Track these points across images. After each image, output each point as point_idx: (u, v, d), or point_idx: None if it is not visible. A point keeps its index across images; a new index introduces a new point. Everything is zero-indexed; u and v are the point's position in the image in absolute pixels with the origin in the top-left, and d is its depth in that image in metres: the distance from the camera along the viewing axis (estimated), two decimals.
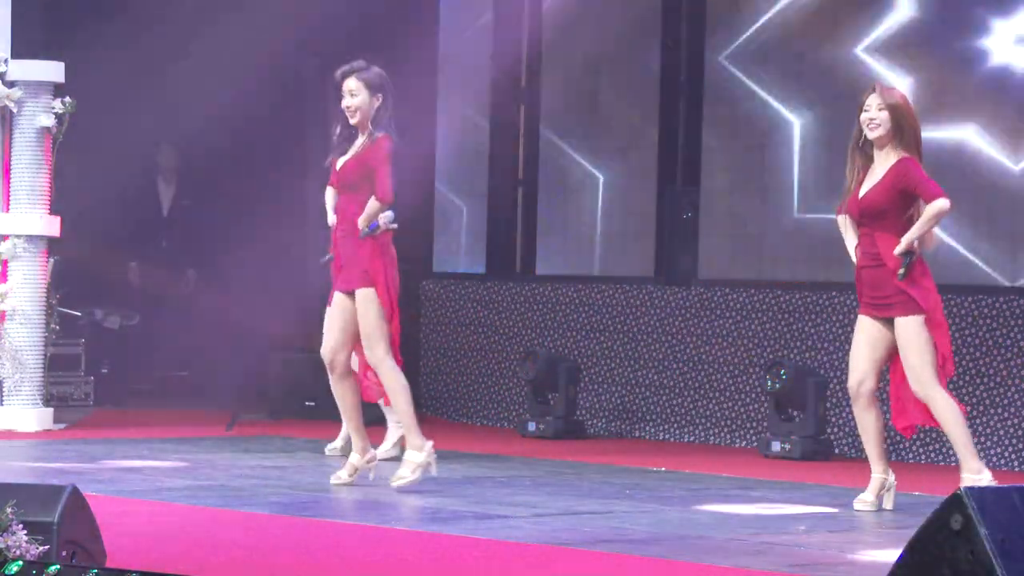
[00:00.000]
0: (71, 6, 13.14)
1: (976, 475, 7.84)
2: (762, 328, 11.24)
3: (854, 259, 7.99)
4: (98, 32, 13.26)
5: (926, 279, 7.84)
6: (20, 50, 10.93)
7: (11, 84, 10.85)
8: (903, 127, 7.80)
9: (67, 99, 10.86)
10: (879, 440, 7.96)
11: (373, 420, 10.45)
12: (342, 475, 8.43)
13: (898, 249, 7.79)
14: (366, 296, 8.26)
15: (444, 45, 13.18)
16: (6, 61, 10.83)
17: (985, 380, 10.32)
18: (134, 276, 13.70)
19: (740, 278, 11.53)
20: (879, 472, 7.99)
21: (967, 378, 10.38)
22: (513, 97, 12.93)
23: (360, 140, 8.35)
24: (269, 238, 14.08)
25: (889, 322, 7.87)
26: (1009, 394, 10.22)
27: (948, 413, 7.79)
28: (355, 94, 8.30)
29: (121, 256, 13.52)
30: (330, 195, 8.59)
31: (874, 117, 7.81)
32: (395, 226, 8.47)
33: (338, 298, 8.38)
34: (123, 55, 13.72)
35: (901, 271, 7.77)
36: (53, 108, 10.86)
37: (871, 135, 7.83)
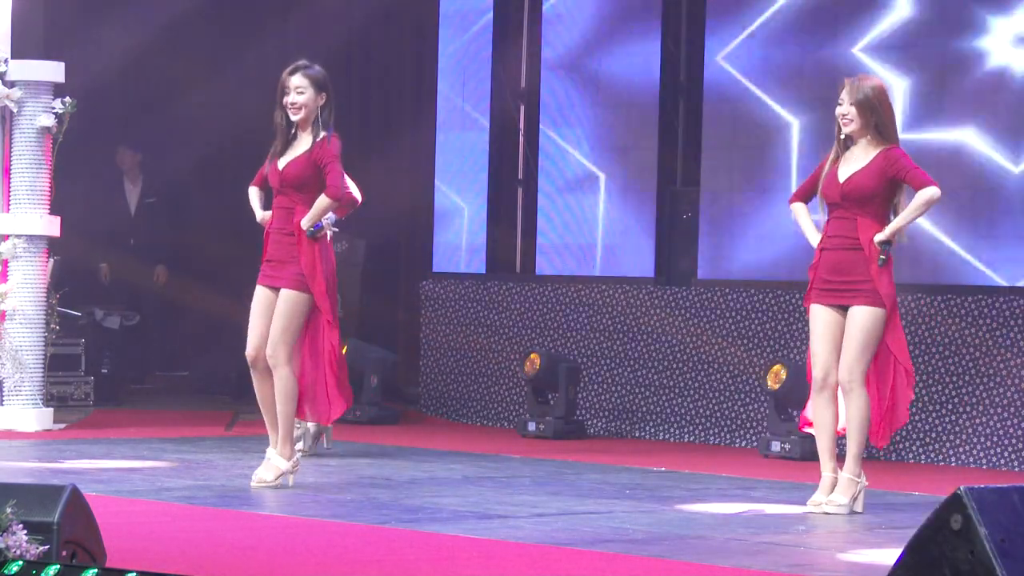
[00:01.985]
0: (71, 6, 13.13)
1: (857, 478, 7.83)
2: (762, 328, 11.24)
3: (814, 244, 7.97)
4: (91, 33, 13.27)
5: (892, 279, 7.83)
6: (20, 50, 10.93)
7: (11, 84, 10.85)
8: (874, 118, 7.82)
9: (67, 99, 10.86)
10: (833, 437, 7.88)
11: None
12: (265, 475, 8.30)
13: (881, 236, 7.76)
14: (294, 299, 8.16)
15: (445, 45, 13.18)
16: (6, 61, 10.83)
17: (985, 380, 10.32)
18: (104, 275, 13.72)
19: (740, 278, 11.53)
20: (830, 471, 7.90)
21: (967, 378, 10.38)
22: (513, 97, 12.93)
23: (303, 139, 8.30)
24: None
25: (843, 309, 7.84)
26: (1009, 394, 10.22)
27: (864, 412, 7.76)
28: (302, 91, 8.27)
29: (93, 256, 13.52)
30: (255, 194, 8.48)
31: (846, 113, 7.86)
32: (336, 229, 8.44)
33: (264, 294, 8.26)
34: (111, 54, 13.73)
35: (882, 258, 7.72)
36: (53, 108, 10.85)
37: (845, 130, 7.87)
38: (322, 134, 8.23)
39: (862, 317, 7.76)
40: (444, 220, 13.11)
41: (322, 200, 8.18)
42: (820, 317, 7.90)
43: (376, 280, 13.31)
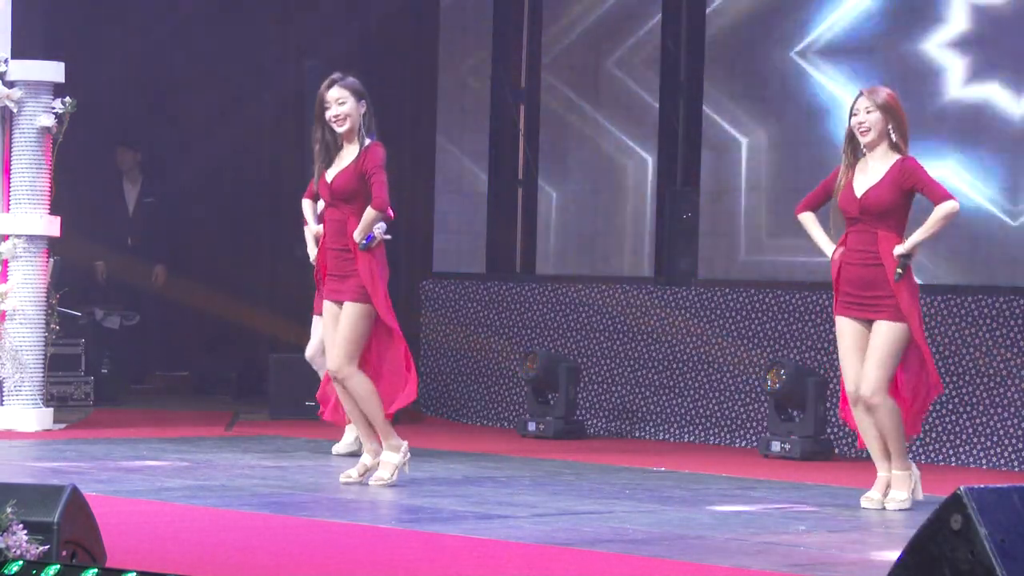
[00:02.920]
0: (71, 6, 13.14)
1: (907, 471, 7.95)
2: (762, 328, 11.25)
3: (828, 253, 8.01)
4: (96, 32, 13.27)
5: (916, 292, 7.88)
6: (20, 50, 10.93)
7: (11, 84, 10.85)
8: (893, 127, 7.84)
9: (67, 99, 10.85)
10: (881, 439, 7.99)
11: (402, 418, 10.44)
12: (352, 473, 8.48)
13: (901, 249, 7.81)
14: (358, 311, 8.29)
15: (444, 47, 13.18)
16: (6, 61, 10.83)
17: (985, 380, 10.32)
18: (100, 273, 13.74)
19: (740, 278, 11.53)
20: (884, 470, 8.02)
21: (967, 378, 10.38)
22: (513, 97, 12.93)
23: (349, 149, 8.34)
24: (270, 240, 14.11)
25: (869, 323, 7.88)
26: (1009, 394, 10.22)
27: (895, 420, 7.90)
28: (343, 102, 8.31)
29: (93, 256, 13.55)
30: (308, 206, 8.63)
31: (863, 121, 7.86)
32: (388, 236, 8.51)
33: (332, 309, 8.40)
34: (117, 55, 13.73)
35: (899, 271, 7.78)
36: (53, 108, 10.85)
37: (863, 140, 7.87)
38: (367, 142, 8.28)
39: (885, 332, 7.83)
40: (444, 220, 13.11)
41: (369, 212, 8.26)
42: (846, 331, 7.97)
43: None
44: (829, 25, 11.21)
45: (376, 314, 8.31)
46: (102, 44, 13.49)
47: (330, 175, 8.33)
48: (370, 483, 8.37)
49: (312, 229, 8.72)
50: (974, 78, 10.58)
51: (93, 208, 13.67)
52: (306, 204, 8.73)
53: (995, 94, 10.48)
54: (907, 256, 7.81)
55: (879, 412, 7.87)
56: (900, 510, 7.87)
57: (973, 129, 10.56)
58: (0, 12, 10.89)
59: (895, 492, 7.96)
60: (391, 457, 8.43)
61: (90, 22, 13.37)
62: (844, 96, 10.72)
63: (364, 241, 8.30)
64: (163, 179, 14.26)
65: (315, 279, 8.57)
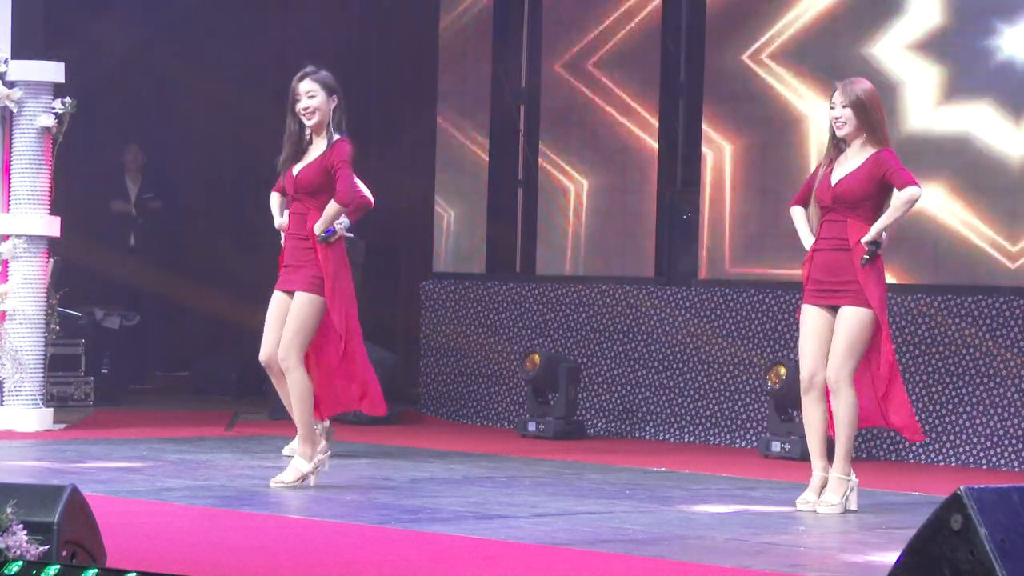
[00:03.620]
0: (68, 6, 13.14)
1: (847, 476, 7.86)
2: (762, 328, 11.24)
3: (807, 247, 8.01)
4: (93, 32, 13.27)
5: (882, 281, 7.86)
6: (20, 50, 10.93)
7: (11, 84, 10.85)
8: (867, 120, 7.85)
9: (67, 99, 10.86)
10: (823, 436, 7.92)
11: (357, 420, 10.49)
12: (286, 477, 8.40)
13: (867, 237, 7.80)
14: (308, 301, 8.25)
15: (444, 46, 13.18)
16: (6, 61, 10.83)
17: (985, 380, 10.32)
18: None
19: (740, 278, 11.53)
20: (820, 470, 7.95)
21: (967, 378, 10.38)
22: (513, 96, 12.93)
23: (317, 144, 8.34)
24: (269, 239, 14.10)
25: (834, 310, 7.87)
26: (1009, 394, 10.22)
27: (851, 412, 7.81)
28: (313, 95, 8.32)
29: (93, 256, 13.58)
30: (276, 200, 8.60)
31: (839, 116, 7.89)
32: (350, 234, 8.51)
33: (280, 299, 8.36)
34: (115, 53, 13.73)
35: (865, 257, 7.77)
36: (53, 108, 10.85)
37: (839, 133, 7.91)
38: (335, 137, 8.27)
39: (849, 318, 7.81)
40: (444, 220, 13.12)
41: (331, 206, 8.26)
42: (809, 317, 7.94)
43: (376, 280, 13.31)
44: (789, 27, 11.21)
45: (326, 309, 8.26)
46: (95, 43, 13.48)
47: (296, 169, 8.34)
48: (271, 483, 8.29)
49: (278, 221, 8.63)
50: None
51: (95, 207, 13.69)
52: (274, 199, 8.60)
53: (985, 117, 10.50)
54: (874, 243, 7.79)
55: (838, 400, 7.78)
56: (828, 514, 7.74)
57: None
58: (0, 12, 10.89)
59: (829, 495, 7.83)
60: (301, 464, 8.35)
61: (83, 22, 13.36)
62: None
63: (324, 234, 8.27)
64: (161, 177, 14.28)
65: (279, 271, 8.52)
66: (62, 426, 11.08)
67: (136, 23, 13.90)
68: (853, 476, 7.90)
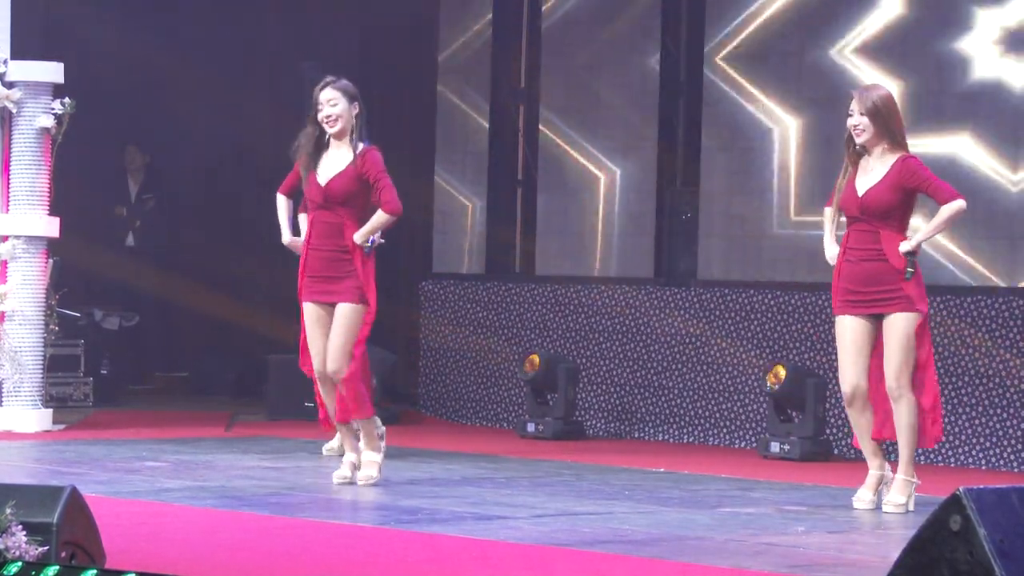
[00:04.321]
0: (69, 7, 13.14)
1: (912, 478, 7.92)
2: (761, 329, 11.24)
3: (829, 251, 8.00)
4: (92, 32, 13.27)
5: (922, 284, 7.90)
6: (20, 50, 10.93)
7: (11, 85, 10.85)
8: (887, 127, 7.86)
9: (67, 99, 10.85)
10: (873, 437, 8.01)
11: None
12: (346, 473, 8.48)
13: (908, 247, 7.83)
14: (355, 311, 8.30)
15: (444, 46, 13.18)
16: (6, 61, 10.82)
17: (984, 381, 10.32)
18: (118, 213, 13.85)
19: (739, 279, 11.53)
20: (877, 468, 8.03)
21: (966, 378, 10.38)
22: (513, 97, 12.93)
23: (341, 152, 8.34)
24: (269, 241, 14.11)
25: (875, 319, 7.88)
26: (1008, 395, 10.22)
27: (913, 418, 7.87)
28: (335, 103, 8.34)
29: (93, 257, 13.59)
30: (284, 205, 8.56)
31: (857, 123, 7.89)
32: (383, 241, 8.54)
33: (318, 311, 8.38)
34: (113, 53, 13.73)
35: (910, 270, 7.80)
36: (53, 109, 10.85)
37: (858, 140, 7.90)
38: (360, 146, 8.29)
39: (900, 324, 7.83)
40: (443, 220, 13.12)
41: (381, 216, 8.30)
42: (847, 328, 7.95)
43: (375, 280, 13.31)
44: (865, 25, 11.20)
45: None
46: (99, 44, 13.48)
47: (323, 177, 8.33)
48: (359, 482, 8.35)
49: (287, 237, 8.67)
50: None
51: (94, 208, 13.70)
52: (281, 203, 8.62)
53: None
54: (912, 253, 7.83)
55: (900, 406, 7.85)
56: (895, 514, 7.83)
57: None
58: (0, 12, 10.88)
59: (896, 495, 7.92)
60: (374, 456, 8.43)
61: (86, 22, 13.36)
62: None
63: (368, 244, 8.31)
64: (161, 179, 14.28)
65: (301, 284, 8.49)
66: (61, 427, 11.08)
67: (134, 24, 13.89)
68: (916, 478, 7.98)
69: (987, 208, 10.43)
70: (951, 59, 10.64)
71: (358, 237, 8.29)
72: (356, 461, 8.50)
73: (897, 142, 7.89)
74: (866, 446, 8.05)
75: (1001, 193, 10.45)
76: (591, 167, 12.39)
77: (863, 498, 8.00)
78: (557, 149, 12.57)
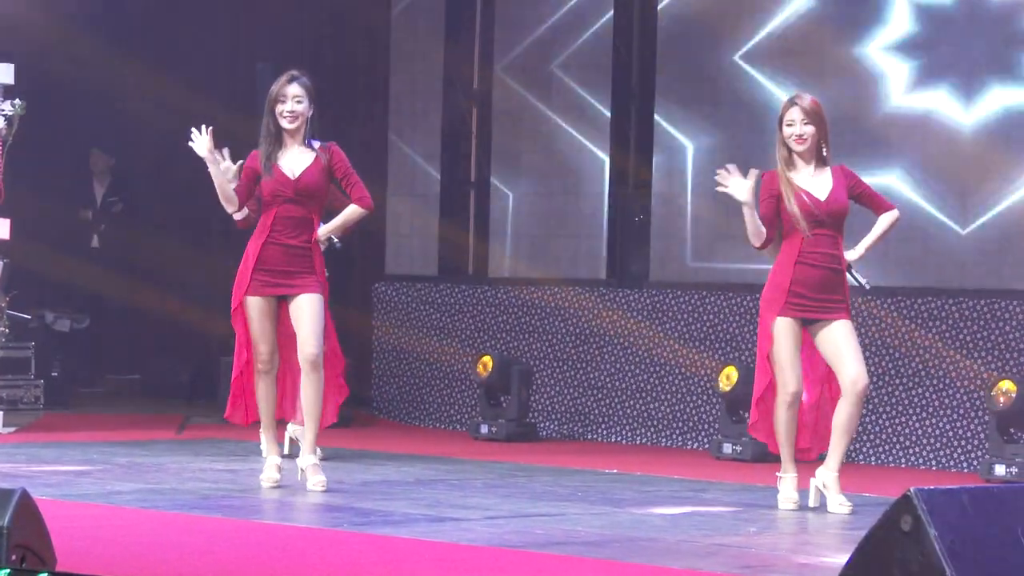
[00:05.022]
0: (19, 9, 13.06)
1: (835, 471, 7.94)
2: (714, 330, 11.27)
3: (754, 230, 7.86)
4: (44, 35, 13.21)
5: None
6: None
7: None
8: (823, 134, 7.92)
9: (17, 101, 10.77)
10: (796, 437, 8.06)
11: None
12: (274, 475, 8.43)
13: (856, 255, 7.98)
14: (321, 302, 8.30)
15: (396, 48, 13.17)
16: None
17: (935, 382, 10.37)
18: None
19: (692, 280, 11.56)
20: (794, 471, 8.04)
21: (916, 380, 10.43)
22: (465, 97, 12.93)
23: (299, 149, 8.30)
24: (221, 242, 14.06)
25: (803, 324, 7.91)
26: (958, 396, 10.27)
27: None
28: (300, 100, 8.32)
29: (45, 259, 13.53)
30: (227, 186, 8.35)
31: (802, 133, 7.89)
32: (339, 245, 8.57)
33: (265, 305, 8.32)
34: (69, 54, 13.67)
35: (858, 276, 7.96)
36: (3, 110, 10.76)
37: (799, 148, 7.90)
38: (316, 143, 8.27)
39: (850, 329, 7.92)
40: (396, 222, 13.10)
41: (354, 211, 8.36)
42: (791, 331, 7.94)
43: (328, 282, 13.28)
44: (773, 28, 11.25)
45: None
46: (50, 46, 13.41)
47: (291, 172, 8.28)
48: (318, 490, 8.27)
49: (241, 212, 8.58)
50: (919, 84, 10.65)
51: (50, 210, 13.64)
52: (227, 189, 8.33)
53: (941, 101, 10.55)
54: (856, 261, 7.99)
55: (860, 407, 7.89)
56: (845, 514, 7.86)
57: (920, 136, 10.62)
58: None
59: (841, 496, 7.94)
60: (317, 459, 8.41)
61: (37, 24, 13.29)
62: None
63: (334, 242, 8.32)
64: (126, 182, 14.26)
65: (250, 276, 8.36)
66: (12, 429, 11.01)
67: (85, 26, 13.82)
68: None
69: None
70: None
71: (323, 232, 8.28)
72: (281, 463, 8.45)
73: (826, 149, 7.95)
74: (790, 449, 7.99)
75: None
76: (543, 169, 12.39)
77: (794, 499, 8.00)
78: (510, 150, 12.57)
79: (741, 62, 11.41)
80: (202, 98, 13.96)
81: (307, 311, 8.24)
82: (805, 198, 7.86)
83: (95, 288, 13.85)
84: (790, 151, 7.91)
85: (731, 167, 7.87)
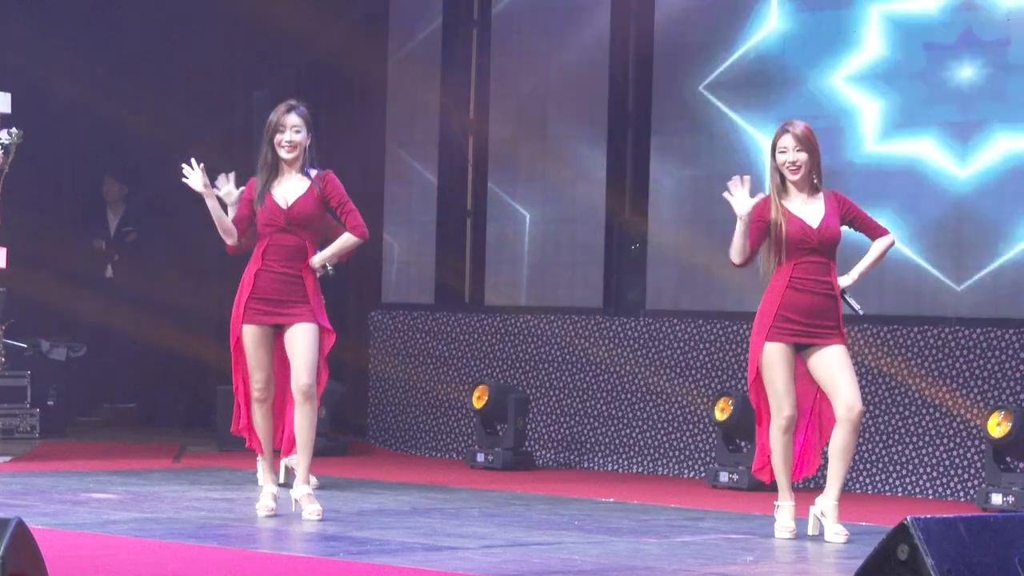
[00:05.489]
0: (17, 39, 13.10)
1: (834, 500, 7.94)
2: (710, 359, 11.28)
3: (739, 246, 7.88)
4: (42, 66, 13.23)
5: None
6: None
7: None
8: (815, 161, 7.94)
9: (13, 130, 10.78)
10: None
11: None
12: (270, 503, 8.42)
13: (849, 280, 7.98)
14: (316, 331, 8.30)
15: (393, 78, 13.20)
16: None
17: (931, 411, 10.38)
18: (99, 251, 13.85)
19: (688, 309, 11.57)
20: (792, 499, 8.05)
21: (913, 408, 10.43)
22: (461, 128, 12.95)
23: (296, 177, 8.32)
24: (218, 271, 14.07)
25: (797, 349, 7.91)
26: (955, 424, 10.28)
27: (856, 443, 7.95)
28: (298, 130, 8.33)
29: (71, 287, 13.56)
30: (225, 219, 8.39)
31: (795, 160, 7.90)
32: (332, 273, 8.58)
33: (260, 333, 8.33)
34: (71, 85, 13.70)
35: (853, 301, 7.95)
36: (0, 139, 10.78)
37: (793, 177, 7.91)
38: (313, 172, 8.29)
39: (844, 354, 7.92)
40: (392, 250, 13.11)
41: (348, 240, 8.35)
42: (783, 356, 7.92)
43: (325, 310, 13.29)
44: (735, 61, 11.28)
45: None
46: (48, 77, 13.44)
47: (284, 200, 8.30)
48: (315, 519, 8.28)
49: (233, 238, 8.56)
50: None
51: (71, 239, 13.71)
52: (223, 216, 8.39)
53: (925, 150, 10.58)
54: (850, 286, 7.98)
55: (856, 432, 7.90)
56: (842, 543, 7.86)
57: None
58: None
59: (839, 526, 7.94)
60: (311, 488, 8.42)
61: (35, 55, 13.32)
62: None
63: (328, 270, 8.31)
64: (141, 210, 14.28)
65: (244, 305, 8.39)
66: (7, 458, 10.99)
67: (83, 57, 13.85)
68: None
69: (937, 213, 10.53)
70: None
71: (317, 260, 8.30)
72: (277, 492, 8.46)
73: (819, 177, 7.96)
74: (786, 476, 8.00)
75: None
76: (539, 197, 12.41)
77: (791, 528, 8.00)
78: (506, 178, 12.59)
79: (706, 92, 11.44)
80: (200, 127, 14.00)
81: (300, 341, 8.25)
82: (797, 225, 7.89)
83: (101, 318, 13.87)
84: (783, 178, 7.93)
85: (746, 178, 7.86)
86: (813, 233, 7.88)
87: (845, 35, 10.98)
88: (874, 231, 8.04)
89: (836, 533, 7.89)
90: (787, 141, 7.90)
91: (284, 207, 8.28)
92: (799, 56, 11.17)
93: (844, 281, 7.98)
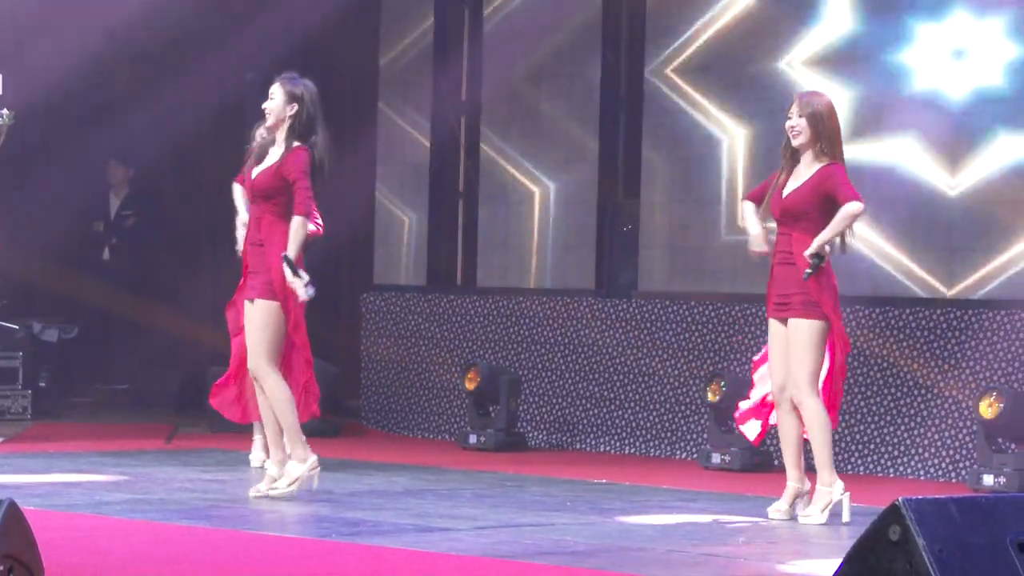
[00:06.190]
0: (4, 17, 13.06)
1: (828, 487, 7.94)
2: (702, 340, 11.28)
3: (752, 240, 8.04)
4: (32, 46, 13.20)
5: (832, 289, 7.92)
6: None
7: None
8: (822, 133, 7.92)
9: (5, 111, 10.75)
10: (799, 447, 8.02)
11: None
12: (261, 487, 8.41)
13: (808, 250, 7.88)
14: (266, 308, 8.24)
15: (385, 58, 13.18)
16: None
17: (922, 392, 10.39)
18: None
19: (680, 290, 11.57)
20: (795, 481, 8.04)
21: (904, 390, 10.45)
22: (454, 109, 12.94)
23: (275, 149, 8.34)
24: (210, 253, 14.07)
25: (787, 322, 7.94)
26: (946, 405, 10.29)
27: (817, 420, 7.89)
28: (273, 97, 8.35)
29: (63, 269, 13.55)
30: (239, 192, 8.62)
31: (795, 125, 7.96)
32: (312, 294, 8.55)
33: (245, 307, 8.38)
34: (70, 69, 13.67)
35: (808, 271, 7.86)
36: None
37: (794, 142, 7.98)
38: (293, 145, 8.26)
39: (798, 330, 7.91)
40: (385, 232, 13.11)
41: (294, 223, 8.17)
42: (772, 332, 8.05)
43: (317, 292, 13.28)
44: (811, 38, 11.28)
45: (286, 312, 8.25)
46: (37, 57, 13.40)
47: (256, 171, 8.34)
48: (270, 493, 8.29)
49: (242, 217, 8.71)
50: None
51: (71, 222, 13.71)
52: (237, 190, 8.73)
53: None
54: (817, 256, 7.86)
55: (804, 411, 7.89)
56: (812, 525, 7.83)
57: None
58: None
59: (812, 507, 7.95)
60: (295, 468, 8.36)
61: (25, 34, 13.28)
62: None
63: (304, 284, 8.16)
64: (143, 195, 14.26)
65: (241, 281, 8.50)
66: None
67: (74, 39, 13.81)
68: (837, 486, 7.97)
69: (927, 216, 10.53)
70: (895, 70, 10.73)
71: (291, 254, 8.17)
72: (276, 475, 8.44)
73: (828, 150, 7.94)
74: (789, 455, 8.03)
75: (939, 199, 10.54)
76: (532, 179, 12.40)
77: (780, 508, 8.01)
78: (498, 161, 12.58)
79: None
80: (192, 110, 13.98)
81: (249, 321, 8.29)
82: (774, 196, 7.96)
83: (97, 300, 13.86)
84: (793, 147, 7.98)
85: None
86: (778, 204, 7.93)
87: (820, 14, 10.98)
88: (841, 199, 7.86)
89: (805, 516, 7.91)
90: (792, 107, 8.00)
91: (252, 179, 8.33)
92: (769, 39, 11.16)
93: (806, 251, 7.91)
